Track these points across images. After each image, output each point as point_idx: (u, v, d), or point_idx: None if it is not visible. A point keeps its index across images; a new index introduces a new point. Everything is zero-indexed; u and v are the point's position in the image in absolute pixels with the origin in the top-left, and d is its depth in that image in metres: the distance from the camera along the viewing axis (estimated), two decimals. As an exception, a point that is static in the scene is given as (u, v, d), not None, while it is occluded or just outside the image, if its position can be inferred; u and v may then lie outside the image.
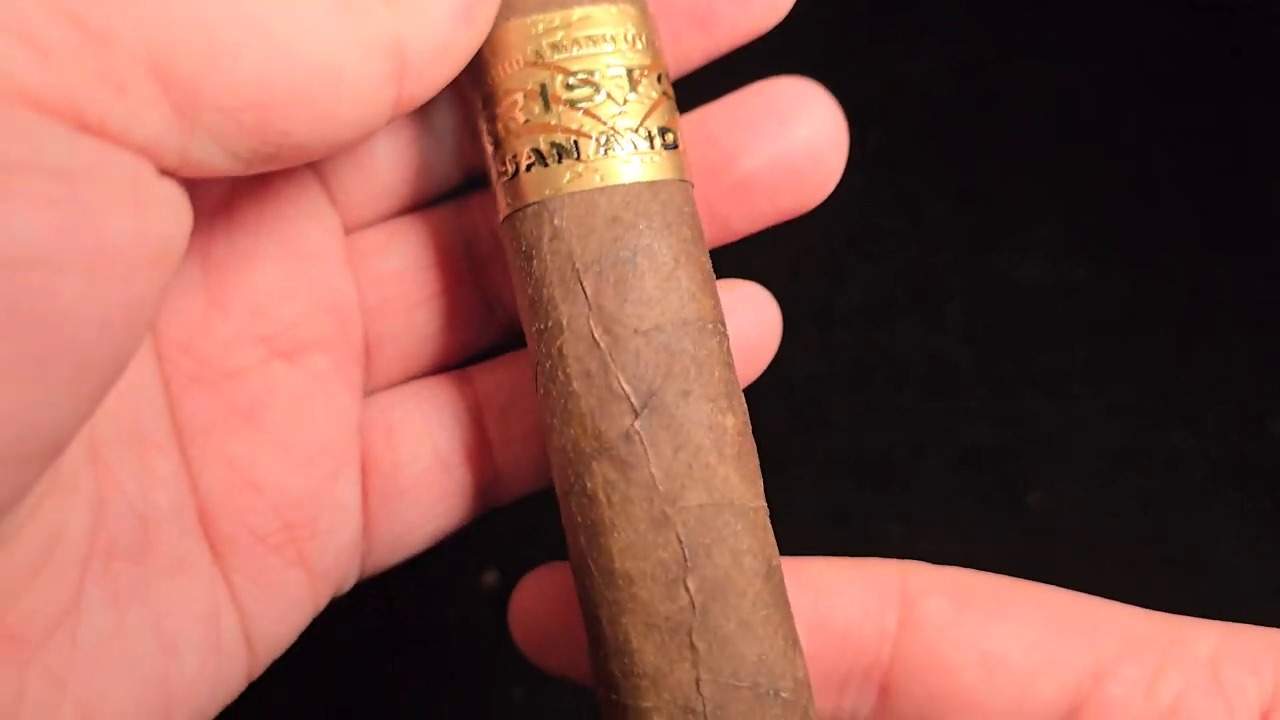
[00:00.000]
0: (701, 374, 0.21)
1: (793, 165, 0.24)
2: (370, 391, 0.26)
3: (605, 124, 0.22)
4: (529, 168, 0.22)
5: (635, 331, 0.21)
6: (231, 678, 0.23)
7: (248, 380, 0.24)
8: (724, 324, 0.22)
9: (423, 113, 0.25)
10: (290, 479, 0.24)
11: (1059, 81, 0.51)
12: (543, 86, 0.22)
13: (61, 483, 0.21)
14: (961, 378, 0.47)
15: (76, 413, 0.18)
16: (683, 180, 0.22)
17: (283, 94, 0.19)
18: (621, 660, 0.21)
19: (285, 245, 0.24)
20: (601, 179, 0.22)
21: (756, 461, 0.22)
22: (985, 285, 0.48)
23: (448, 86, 0.22)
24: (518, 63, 0.22)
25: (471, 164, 0.26)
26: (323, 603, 0.25)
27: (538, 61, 0.22)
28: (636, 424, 0.21)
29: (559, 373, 0.22)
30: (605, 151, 0.22)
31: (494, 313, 0.26)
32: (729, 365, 0.22)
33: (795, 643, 0.22)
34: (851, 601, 0.23)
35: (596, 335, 0.21)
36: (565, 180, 0.22)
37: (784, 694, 0.21)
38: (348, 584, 0.26)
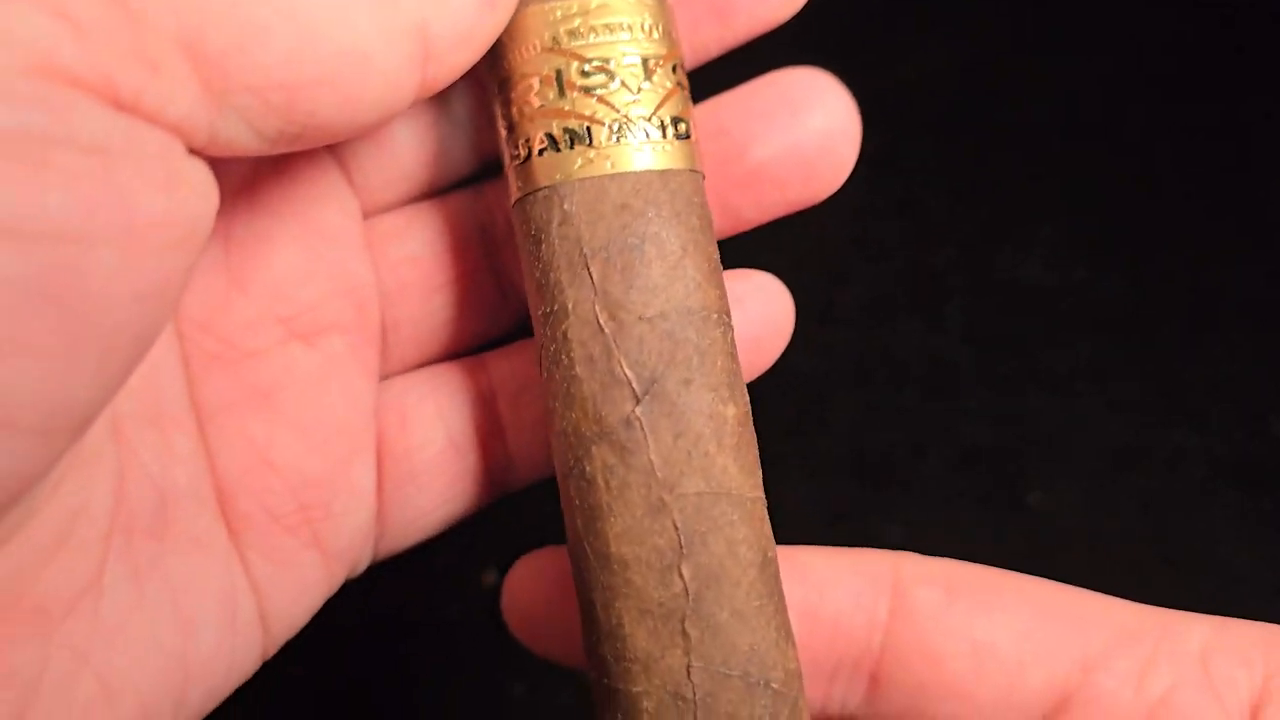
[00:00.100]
0: (704, 363, 0.22)
1: (804, 156, 0.25)
2: (385, 376, 0.26)
3: (619, 112, 0.22)
4: (541, 152, 0.22)
5: (640, 318, 0.21)
6: (246, 657, 0.24)
7: (266, 361, 0.24)
8: (729, 314, 0.22)
9: (441, 98, 0.25)
10: (306, 460, 0.24)
11: (1061, 80, 0.51)
12: (558, 72, 0.22)
13: (85, 458, 0.21)
14: (961, 377, 0.47)
15: (104, 388, 0.18)
16: (693, 170, 0.23)
17: (310, 75, 0.19)
18: (614, 644, 0.21)
19: (305, 227, 0.24)
20: (613, 166, 0.22)
21: (756, 452, 0.22)
22: (986, 284, 0.48)
23: (466, 71, 0.22)
24: (534, 48, 0.22)
25: (488, 150, 0.26)
26: (337, 584, 0.25)
27: (554, 48, 0.22)
28: (637, 410, 0.21)
29: (563, 356, 0.22)
30: (617, 139, 0.22)
31: (508, 299, 0.27)
32: (732, 355, 0.22)
33: (788, 634, 0.22)
34: (843, 591, 0.23)
35: (601, 320, 0.21)
36: (577, 166, 0.22)
37: (774, 684, 0.21)
38: (361, 566, 0.26)
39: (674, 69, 0.23)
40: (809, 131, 0.24)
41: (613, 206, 0.22)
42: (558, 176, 0.22)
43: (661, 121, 0.22)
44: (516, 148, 0.23)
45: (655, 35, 0.23)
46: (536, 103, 0.22)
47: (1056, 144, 0.50)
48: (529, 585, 0.26)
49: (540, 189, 0.22)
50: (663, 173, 0.22)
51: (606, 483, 0.21)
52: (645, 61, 0.22)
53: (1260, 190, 0.49)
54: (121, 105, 0.17)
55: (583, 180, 0.22)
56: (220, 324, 0.24)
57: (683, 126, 0.23)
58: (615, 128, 0.22)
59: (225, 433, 0.23)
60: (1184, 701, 0.21)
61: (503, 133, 0.23)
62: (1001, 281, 0.48)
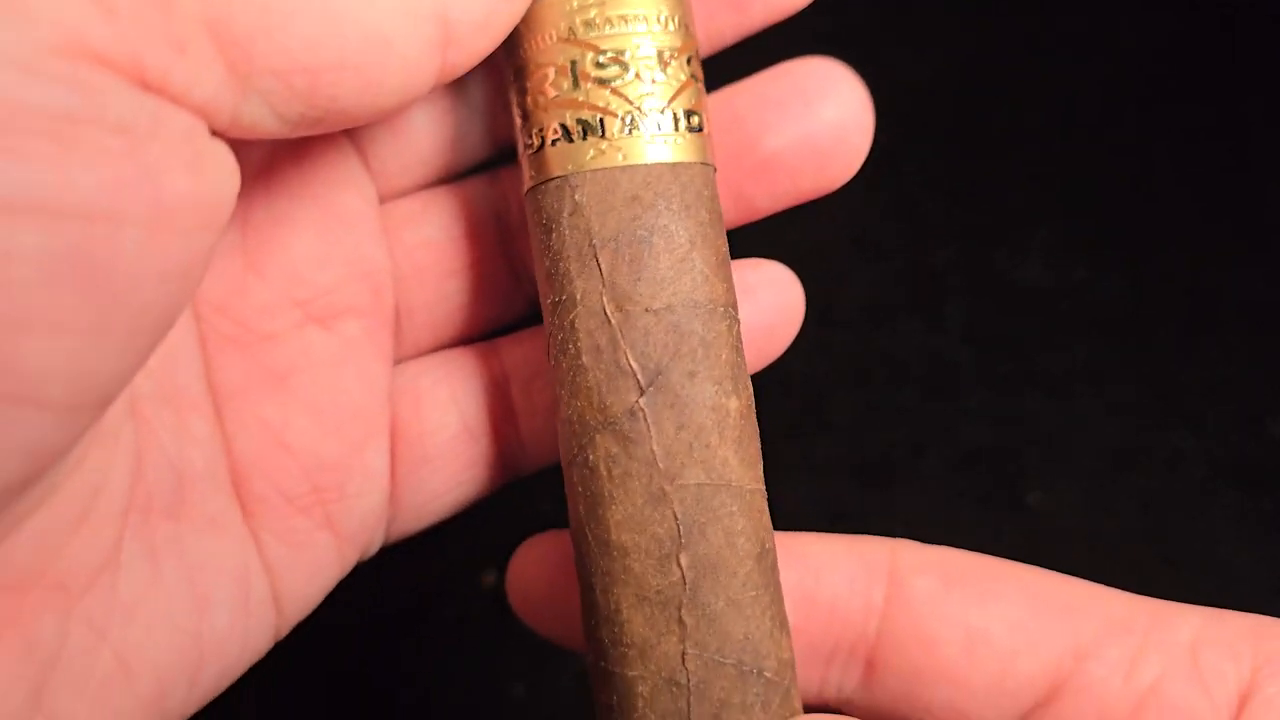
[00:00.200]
0: (709, 355, 0.22)
1: (817, 146, 0.25)
2: (400, 360, 0.26)
3: (632, 103, 0.22)
4: (554, 142, 0.22)
5: (646, 310, 0.22)
6: (259, 636, 0.24)
7: (282, 344, 0.24)
8: (735, 308, 0.23)
9: (458, 85, 0.25)
10: (321, 443, 0.24)
11: (1060, 82, 0.51)
12: (573, 63, 0.22)
13: (104, 436, 0.21)
14: (961, 378, 0.47)
15: (128, 365, 0.18)
16: (705, 163, 0.23)
17: (333, 59, 0.19)
18: (611, 629, 0.22)
19: (322, 211, 0.24)
20: (624, 158, 0.22)
21: (758, 445, 0.22)
22: (985, 285, 0.48)
23: (484, 58, 0.22)
24: (550, 38, 0.22)
25: (503, 137, 0.26)
26: (349, 566, 0.25)
27: (570, 38, 0.22)
28: (641, 401, 0.21)
29: (570, 346, 0.22)
30: (630, 131, 0.22)
31: (522, 285, 0.27)
32: (737, 349, 0.22)
33: (783, 624, 0.22)
34: (840, 576, 0.24)
35: (608, 311, 0.22)
36: (588, 157, 0.22)
37: (767, 673, 0.21)
38: (373, 549, 0.26)
39: (688, 61, 0.23)
40: (822, 122, 0.25)
41: (623, 198, 0.22)
42: (570, 167, 0.22)
43: (674, 114, 0.22)
44: (530, 137, 0.23)
45: (671, 27, 0.23)
46: (551, 93, 0.22)
47: (1055, 145, 0.50)
48: (533, 568, 0.26)
49: (552, 179, 0.22)
50: (674, 165, 0.22)
51: (609, 471, 0.22)
52: (660, 53, 0.22)
53: (1258, 192, 0.49)
54: (148, 85, 0.17)
55: (594, 171, 0.22)
56: (237, 307, 0.24)
57: (695, 119, 0.23)
58: (628, 119, 0.22)
59: (241, 415, 0.24)
60: (1173, 691, 0.21)
61: (518, 121, 0.23)
62: (1001, 282, 0.48)
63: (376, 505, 0.25)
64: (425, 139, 0.26)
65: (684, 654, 0.21)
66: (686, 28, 0.23)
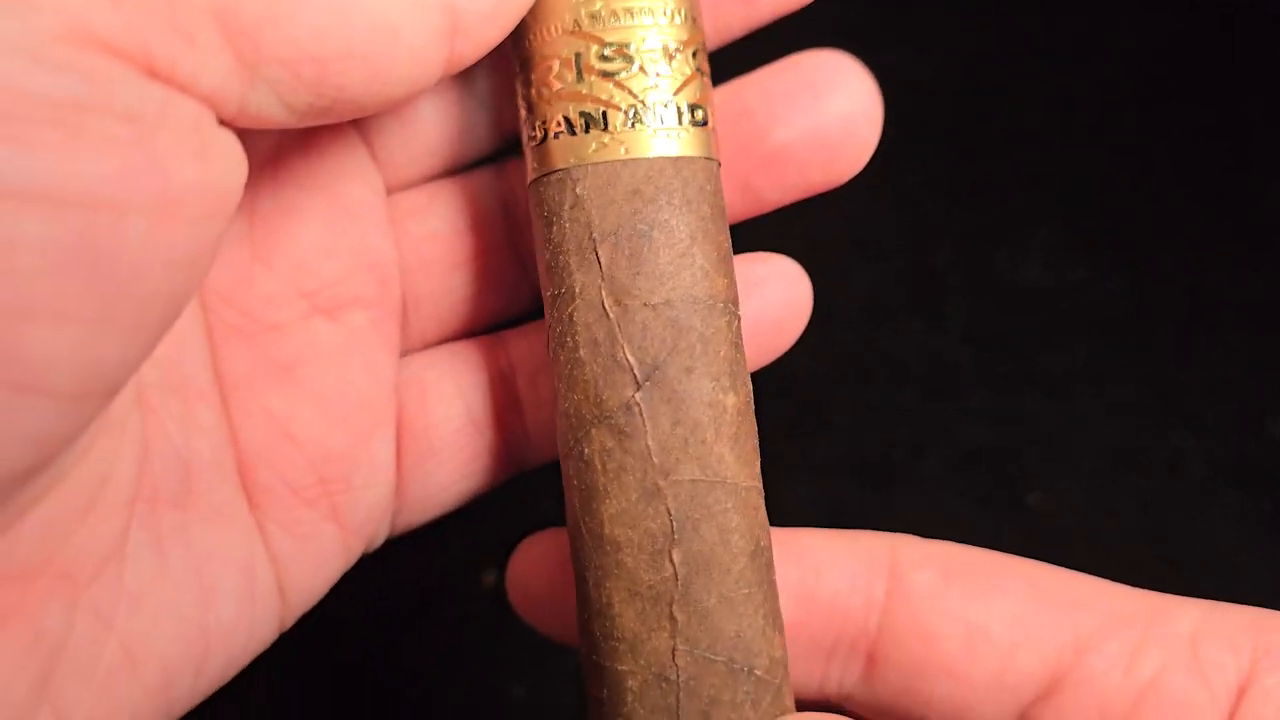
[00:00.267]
0: (707, 351, 0.22)
1: (826, 138, 0.25)
2: (406, 352, 0.26)
3: (635, 97, 0.22)
4: (557, 135, 0.22)
5: (645, 305, 0.22)
6: (265, 627, 0.24)
7: (288, 335, 0.24)
8: (736, 304, 0.23)
9: (465, 76, 0.25)
10: (327, 434, 0.24)
11: (1060, 82, 0.51)
12: (578, 55, 0.22)
13: (111, 425, 0.21)
14: (961, 378, 0.47)
15: (135, 354, 0.18)
16: (709, 158, 0.23)
17: (340, 48, 0.19)
18: (603, 623, 0.22)
19: (329, 202, 0.25)
20: (626, 151, 0.22)
21: (755, 442, 0.22)
22: (985, 285, 0.48)
23: (491, 49, 0.22)
24: (556, 30, 0.22)
25: (510, 128, 0.26)
26: (354, 557, 0.25)
27: (575, 30, 0.22)
28: (637, 395, 0.21)
29: (568, 339, 0.22)
30: (632, 124, 0.22)
31: (528, 277, 0.27)
32: (736, 345, 0.22)
33: (775, 622, 0.22)
34: (841, 572, 0.24)
35: (607, 305, 0.22)
36: (591, 150, 0.22)
37: (758, 671, 0.21)
38: (378, 540, 0.26)
39: (694, 54, 0.23)
40: (831, 114, 0.25)
41: (624, 192, 0.22)
42: (572, 160, 0.22)
43: (678, 108, 0.22)
44: (534, 129, 0.23)
45: (677, 20, 0.23)
46: (555, 85, 0.22)
47: (1055, 145, 0.50)
48: (533, 566, 0.26)
49: (554, 171, 0.22)
50: (676, 160, 0.22)
51: (603, 465, 0.22)
52: (665, 47, 0.22)
53: (1258, 192, 0.49)
54: (156, 74, 0.18)
55: (596, 165, 0.22)
56: (243, 297, 0.24)
57: (700, 113, 0.23)
58: (631, 113, 0.22)
59: (247, 405, 0.24)
60: (1172, 684, 0.21)
61: (523, 113, 0.23)
62: (1001, 282, 0.48)
63: (382, 497, 0.25)
64: (432, 130, 0.26)
65: (674, 650, 0.21)
66: (693, 21, 0.23)
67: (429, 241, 0.26)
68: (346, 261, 0.25)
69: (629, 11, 0.22)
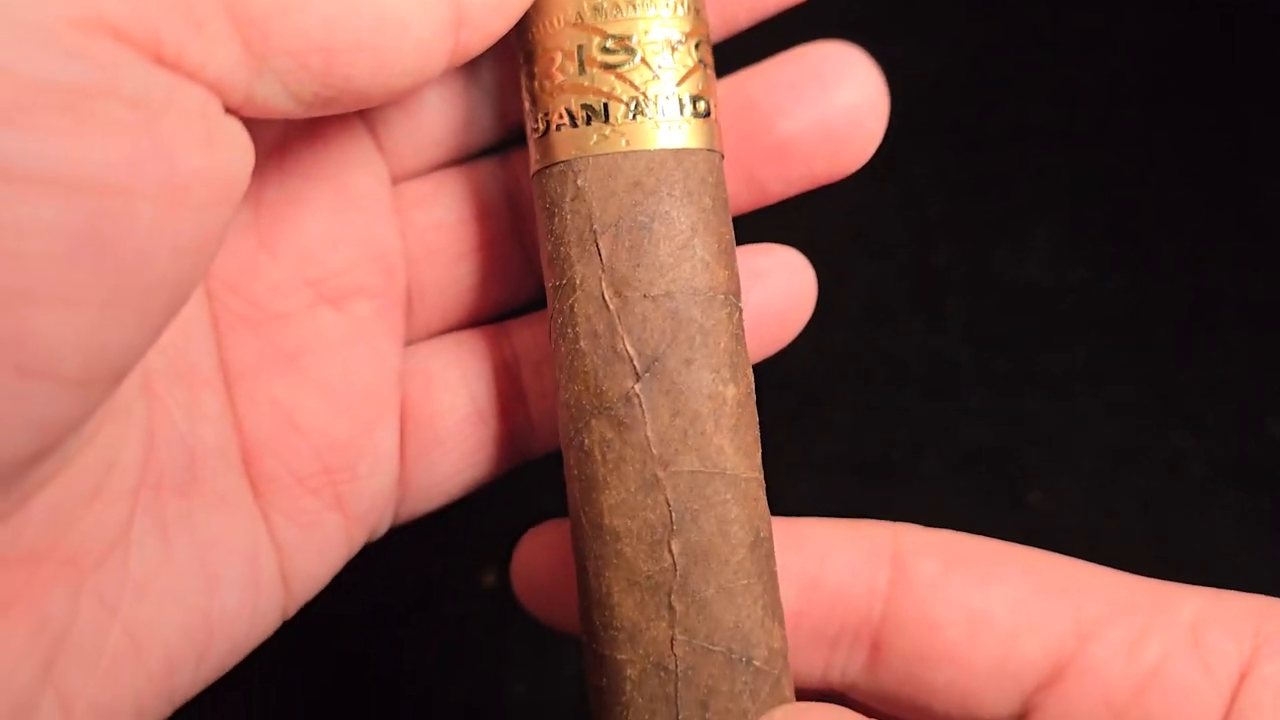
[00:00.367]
0: (707, 343, 0.22)
1: (832, 130, 0.25)
2: (411, 341, 0.26)
3: (637, 89, 0.22)
4: (560, 127, 0.22)
5: (645, 296, 0.22)
6: (268, 615, 0.24)
7: (293, 324, 0.24)
8: (738, 295, 0.23)
9: (470, 67, 0.25)
10: (332, 423, 0.24)
11: (1060, 80, 0.51)
12: (580, 48, 0.22)
13: (117, 412, 0.21)
14: (961, 377, 0.47)
15: (141, 340, 0.18)
16: (711, 149, 0.23)
17: (348, 39, 0.19)
18: (602, 612, 0.22)
19: (335, 191, 0.25)
20: (628, 143, 0.22)
21: (756, 433, 0.22)
22: (985, 284, 0.48)
23: (497, 40, 0.22)
24: (559, 22, 0.23)
25: (515, 119, 0.26)
26: (357, 546, 0.25)
27: (578, 22, 0.22)
28: (637, 387, 0.21)
29: (569, 330, 0.22)
30: (634, 116, 0.22)
31: (533, 268, 0.27)
32: (737, 337, 0.22)
33: (775, 614, 0.22)
34: (844, 561, 0.24)
35: (607, 296, 0.22)
36: (592, 142, 0.22)
37: (756, 662, 0.21)
38: (381, 530, 0.26)
39: (697, 46, 0.23)
40: (837, 106, 0.25)
41: (625, 184, 0.22)
42: (574, 151, 0.22)
43: (680, 100, 0.22)
44: (537, 121, 0.23)
45: (680, 12, 0.23)
46: (558, 77, 0.22)
47: (1055, 144, 0.50)
48: (537, 556, 0.26)
49: (556, 163, 0.22)
50: (677, 151, 0.22)
51: (603, 456, 0.22)
52: (668, 39, 0.22)
53: (1259, 192, 0.49)
54: (163, 61, 0.18)
55: (597, 157, 0.22)
56: (249, 286, 0.24)
57: (702, 105, 0.23)
58: (633, 105, 0.22)
59: (252, 394, 0.24)
60: (1174, 671, 0.21)
61: (526, 105, 0.23)
62: (1001, 281, 0.48)
63: (386, 486, 0.25)
64: (438, 121, 0.26)
65: (673, 639, 0.21)
66: (697, 13, 0.23)
67: (434, 231, 0.26)
68: (352, 251, 0.25)
69: (631, 4, 0.22)
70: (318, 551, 0.24)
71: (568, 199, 0.22)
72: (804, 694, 0.23)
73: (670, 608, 0.21)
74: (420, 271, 0.26)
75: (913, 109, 0.49)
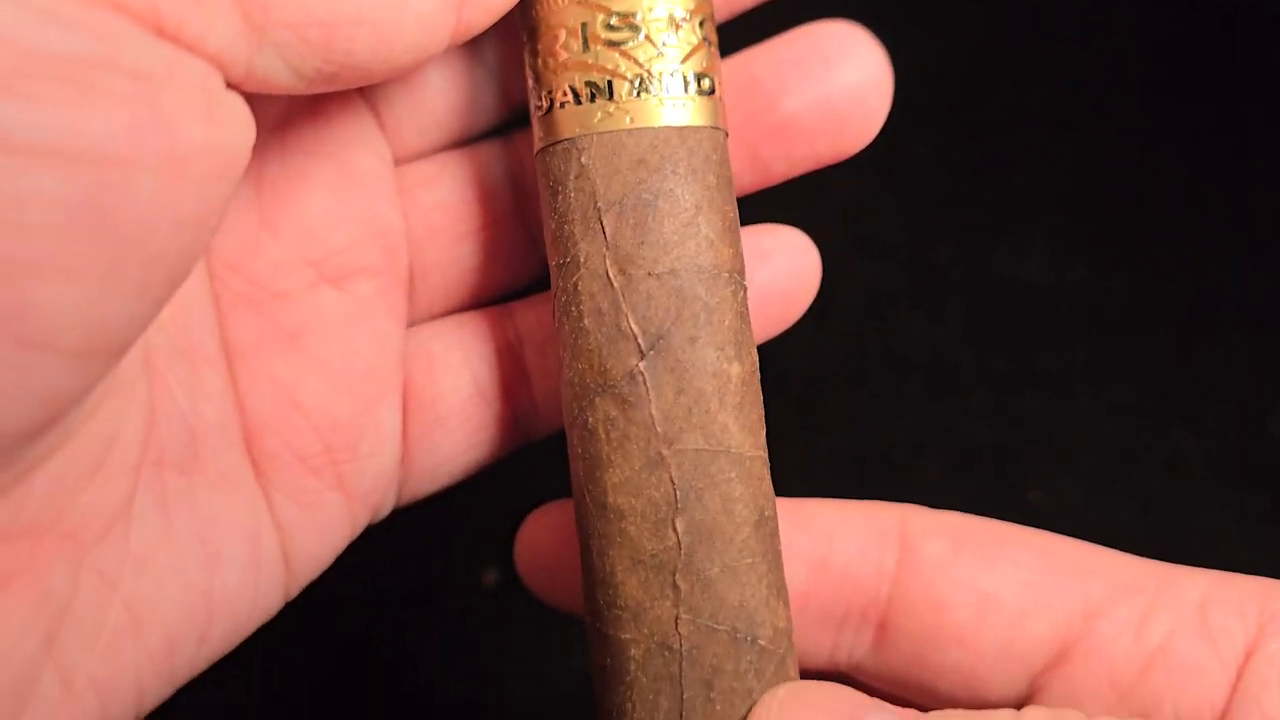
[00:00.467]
0: (711, 321, 0.22)
1: (836, 108, 0.25)
2: (413, 322, 0.26)
3: (641, 66, 0.22)
4: (563, 105, 0.22)
5: (649, 274, 0.22)
6: (269, 595, 0.24)
7: (295, 303, 0.24)
8: (742, 273, 0.23)
9: (473, 46, 0.25)
10: (333, 402, 0.24)
11: (1060, 79, 0.51)
12: (584, 25, 0.22)
13: (118, 387, 0.21)
14: (961, 377, 0.47)
15: (142, 313, 0.18)
16: (715, 127, 0.23)
17: (348, 13, 0.19)
18: (606, 591, 0.22)
19: (337, 170, 0.25)
20: (632, 121, 0.22)
21: (760, 412, 0.22)
22: (985, 284, 0.49)
23: (500, 18, 0.22)
24: None
25: (518, 99, 0.26)
26: (359, 528, 0.25)
27: (582, 0, 0.22)
28: (641, 365, 0.21)
29: (573, 308, 0.22)
30: (638, 94, 0.22)
31: (536, 248, 0.27)
32: (742, 315, 0.22)
33: (780, 592, 0.22)
34: (851, 542, 0.24)
35: (611, 274, 0.22)
36: (596, 119, 0.22)
37: (761, 641, 0.21)
38: (384, 510, 0.26)
39: (701, 24, 0.23)
40: (841, 84, 0.24)
41: (629, 161, 0.22)
42: (577, 129, 0.22)
43: (684, 77, 0.22)
44: (540, 99, 0.23)
45: None
46: (562, 55, 0.22)
47: (1055, 143, 0.50)
48: (542, 536, 0.26)
49: (560, 141, 0.22)
50: (681, 129, 0.22)
51: (607, 434, 0.22)
52: (672, 16, 0.22)
53: (1259, 192, 0.49)
54: (164, 33, 0.18)
55: (601, 134, 0.22)
56: (250, 265, 0.24)
57: (706, 82, 0.23)
58: (637, 82, 0.22)
59: (253, 372, 0.24)
60: (1181, 650, 0.21)
61: (530, 83, 0.23)
62: (1001, 280, 0.49)
63: (388, 466, 0.25)
64: (441, 101, 0.26)
65: (677, 619, 0.21)
66: None
67: (437, 211, 0.26)
68: (353, 230, 0.25)
69: None
70: (319, 532, 0.24)
71: (572, 177, 0.22)
72: (810, 674, 0.23)
73: (675, 587, 0.21)
74: (423, 251, 0.26)
75: (911, 109, 0.49)
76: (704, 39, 0.23)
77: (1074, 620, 0.22)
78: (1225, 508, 0.45)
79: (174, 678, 0.22)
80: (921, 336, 0.48)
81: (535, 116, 0.23)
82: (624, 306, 0.22)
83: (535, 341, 0.26)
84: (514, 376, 0.26)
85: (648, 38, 0.22)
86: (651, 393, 0.21)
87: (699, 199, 0.22)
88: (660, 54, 0.22)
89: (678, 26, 0.22)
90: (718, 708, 0.21)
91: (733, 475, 0.22)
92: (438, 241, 0.26)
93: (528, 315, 0.26)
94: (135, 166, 0.17)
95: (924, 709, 0.21)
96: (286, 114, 0.24)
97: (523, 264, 0.27)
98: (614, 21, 0.22)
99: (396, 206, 0.25)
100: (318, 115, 0.24)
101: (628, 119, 0.22)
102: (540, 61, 0.23)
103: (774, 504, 0.22)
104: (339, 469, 0.24)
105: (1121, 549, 0.43)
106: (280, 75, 0.19)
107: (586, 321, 0.22)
